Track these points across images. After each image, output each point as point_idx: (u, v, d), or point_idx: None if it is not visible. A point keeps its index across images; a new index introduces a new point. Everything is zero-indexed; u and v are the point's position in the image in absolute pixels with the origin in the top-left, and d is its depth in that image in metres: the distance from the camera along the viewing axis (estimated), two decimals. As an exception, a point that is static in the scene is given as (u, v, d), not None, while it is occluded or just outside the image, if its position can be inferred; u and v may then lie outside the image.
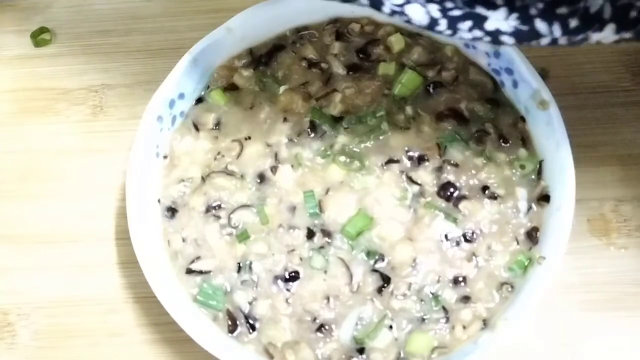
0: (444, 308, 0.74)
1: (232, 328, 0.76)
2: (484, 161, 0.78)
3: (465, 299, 0.75)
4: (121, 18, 0.99)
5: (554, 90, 0.78)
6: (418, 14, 0.64)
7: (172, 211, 0.81)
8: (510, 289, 0.74)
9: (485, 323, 0.74)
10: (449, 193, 0.77)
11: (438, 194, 0.77)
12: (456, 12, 0.64)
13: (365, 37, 0.85)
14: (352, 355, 0.74)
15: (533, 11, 0.63)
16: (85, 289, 0.86)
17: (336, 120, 0.80)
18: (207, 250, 0.78)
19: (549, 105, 0.77)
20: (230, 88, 0.84)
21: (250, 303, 0.76)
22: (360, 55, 0.84)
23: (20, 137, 0.94)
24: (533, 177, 0.78)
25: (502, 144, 0.79)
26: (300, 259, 0.76)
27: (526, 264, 0.74)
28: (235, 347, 0.75)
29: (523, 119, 0.80)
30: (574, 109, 0.89)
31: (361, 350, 0.74)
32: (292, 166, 0.79)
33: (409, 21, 0.64)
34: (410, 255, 0.75)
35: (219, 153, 0.81)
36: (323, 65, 0.83)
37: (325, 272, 0.75)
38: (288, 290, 0.76)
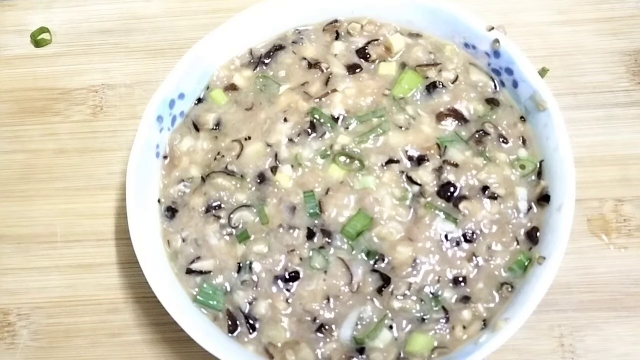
0: (444, 308, 0.74)
1: (232, 328, 0.76)
2: (484, 161, 0.78)
3: (465, 299, 0.75)
4: (121, 18, 0.99)
5: (554, 90, 0.79)
6: None
7: (172, 211, 0.80)
8: (510, 289, 0.74)
9: (485, 323, 0.74)
10: (449, 193, 0.77)
11: (438, 194, 0.77)
12: None
13: (365, 37, 0.85)
14: (352, 355, 0.74)
15: None
16: (85, 289, 0.86)
17: (336, 120, 0.80)
18: (207, 250, 0.78)
19: (548, 105, 0.77)
20: (230, 88, 0.84)
21: (250, 303, 0.76)
22: (360, 55, 0.84)
23: (20, 137, 0.94)
24: (533, 177, 0.78)
25: (502, 144, 0.79)
26: (300, 259, 0.76)
27: (526, 264, 0.74)
28: (235, 347, 0.75)
29: (523, 119, 0.80)
30: (574, 109, 0.90)
31: (361, 350, 0.74)
32: (292, 166, 0.79)
33: None
34: (410, 255, 0.75)
35: (219, 153, 0.81)
36: (323, 65, 0.83)
37: (325, 272, 0.75)
38: (288, 290, 0.76)
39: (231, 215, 0.78)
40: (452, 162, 0.78)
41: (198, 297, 0.77)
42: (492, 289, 0.75)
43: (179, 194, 0.81)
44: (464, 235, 0.76)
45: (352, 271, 0.75)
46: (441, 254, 0.75)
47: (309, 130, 0.79)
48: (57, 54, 0.98)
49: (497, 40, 0.79)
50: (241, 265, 0.77)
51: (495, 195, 0.77)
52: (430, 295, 0.74)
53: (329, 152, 0.79)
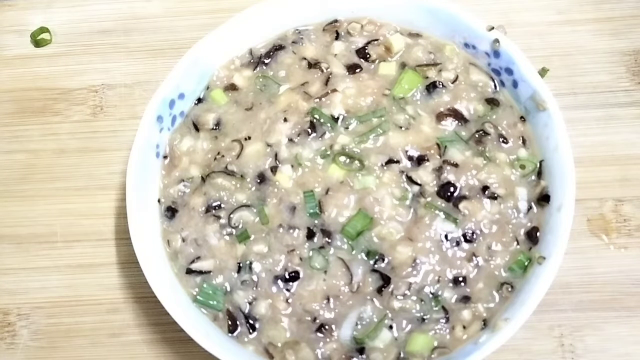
0: (444, 308, 0.74)
1: (232, 328, 0.76)
2: (484, 161, 0.78)
3: (465, 299, 0.75)
4: (121, 18, 0.99)
5: (554, 90, 0.79)
6: None
7: (172, 211, 0.80)
8: (510, 289, 0.74)
9: (485, 323, 0.74)
10: (449, 193, 0.77)
11: (438, 194, 0.77)
12: None
13: (365, 37, 0.85)
14: (352, 355, 0.74)
15: None
16: (85, 289, 0.86)
17: (336, 120, 0.80)
18: (207, 250, 0.78)
19: (548, 105, 0.77)
20: (230, 88, 0.84)
21: (250, 303, 0.76)
22: (360, 55, 0.84)
23: (20, 137, 0.94)
24: (533, 177, 0.78)
25: (502, 144, 0.79)
26: (300, 259, 0.76)
27: (526, 264, 0.74)
28: (235, 347, 0.75)
29: (523, 119, 0.80)
30: (574, 109, 0.89)
31: (361, 350, 0.74)
32: (292, 166, 0.79)
33: None
34: (410, 255, 0.75)
35: (219, 153, 0.81)
36: (323, 65, 0.83)
37: (325, 272, 0.75)
38: (288, 290, 0.76)
39: (231, 215, 0.78)
40: (452, 162, 0.78)
41: (198, 297, 0.77)
42: (492, 289, 0.75)
43: (179, 194, 0.81)
44: (464, 235, 0.76)
45: (352, 271, 0.75)
46: (441, 254, 0.75)
47: (309, 130, 0.79)
48: (57, 54, 0.98)
49: (497, 40, 0.79)
50: (241, 265, 0.77)
51: (495, 195, 0.77)
52: (430, 295, 0.74)
53: (329, 152, 0.79)
